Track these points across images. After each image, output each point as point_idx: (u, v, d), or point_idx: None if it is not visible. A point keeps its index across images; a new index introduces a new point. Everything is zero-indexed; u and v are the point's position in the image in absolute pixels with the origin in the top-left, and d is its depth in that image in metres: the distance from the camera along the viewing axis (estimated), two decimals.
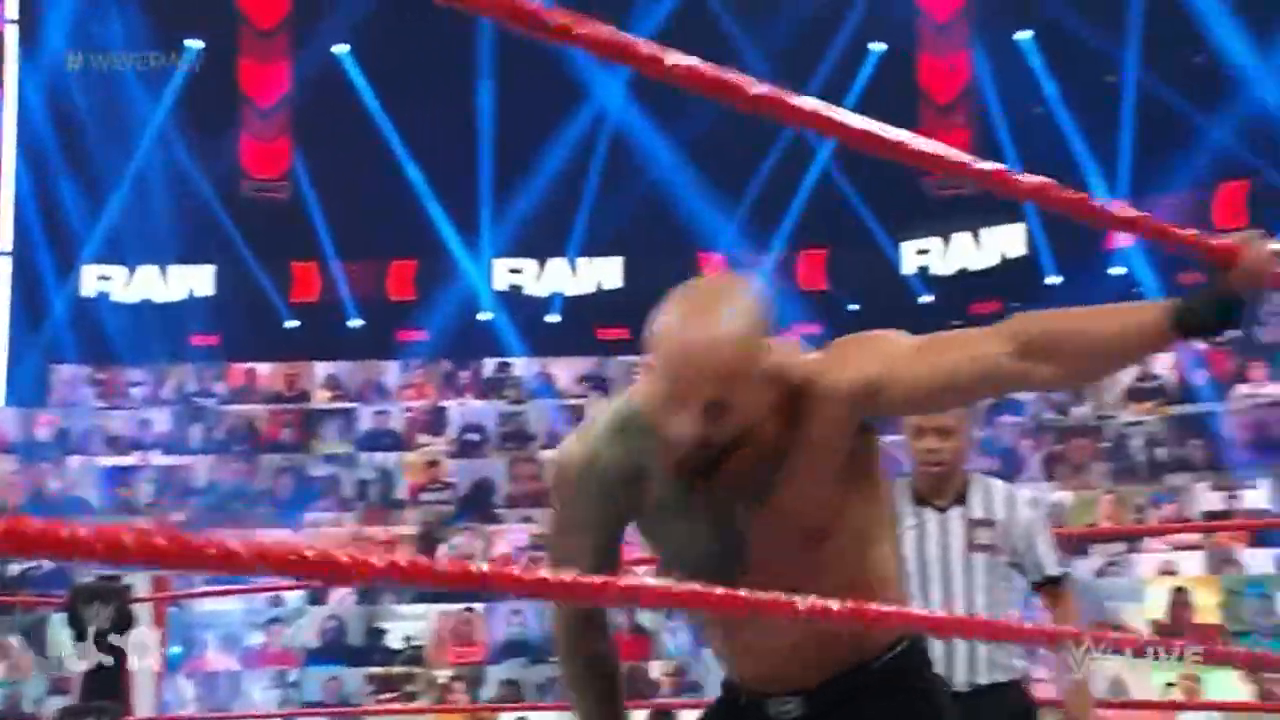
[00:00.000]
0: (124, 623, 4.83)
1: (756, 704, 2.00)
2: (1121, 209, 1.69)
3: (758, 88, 1.25)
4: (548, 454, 10.78)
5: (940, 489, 3.24)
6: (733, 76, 1.24)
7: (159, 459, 10.69)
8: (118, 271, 11.54)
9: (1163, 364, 9.66)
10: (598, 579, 1.38)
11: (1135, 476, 9.46)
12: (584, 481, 1.95)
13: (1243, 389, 9.40)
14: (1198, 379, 9.56)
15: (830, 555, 1.90)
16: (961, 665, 3.23)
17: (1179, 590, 7.86)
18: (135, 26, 11.23)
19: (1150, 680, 7.29)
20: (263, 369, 11.31)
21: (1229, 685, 7.02)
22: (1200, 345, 8.74)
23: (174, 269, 11.51)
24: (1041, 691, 3.54)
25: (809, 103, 1.31)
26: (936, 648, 3.10)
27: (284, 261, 11.58)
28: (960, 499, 3.30)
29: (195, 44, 11.45)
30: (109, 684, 4.69)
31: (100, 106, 11.06)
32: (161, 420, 10.99)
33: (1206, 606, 7.77)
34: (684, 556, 1.96)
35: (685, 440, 1.79)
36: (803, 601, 1.48)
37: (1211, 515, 8.68)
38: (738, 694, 2.05)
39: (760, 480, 1.86)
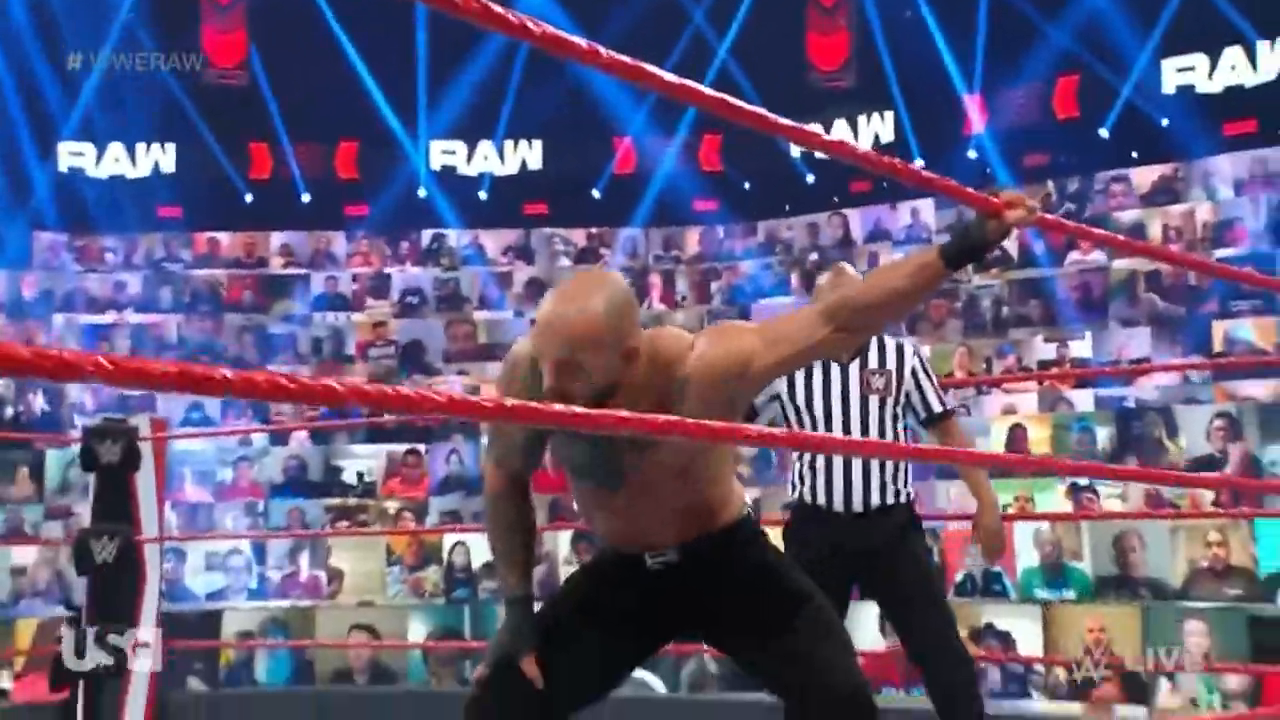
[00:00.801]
0: (131, 458, 5.09)
1: (635, 557, 2.34)
2: (920, 172, 2.00)
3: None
4: (480, 315, 11.33)
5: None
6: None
7: (133, 317, 11.11)
8: (89, 149, 11.86)
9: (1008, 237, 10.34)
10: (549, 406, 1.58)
11: (983, 331, 9.85)
12: (525, 374, 2.26)
13: (1073, 256, 9.85)
14: (1037, 249, 10.04)
15: (688, 477, 2.27)
16: (858, 490, 3.59)
17: (1017, 426, 8.19)
18: None
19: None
20: (224, 238, 11.76)
21: (1054, 502, 7.47)
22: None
23: (140, 147, 11.89)
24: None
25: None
26: (838, 478, 3.58)
27: (242, 142, 11.97)
28: (859, 353, 3.60)
29: None
30: (120, 508, 5.11)
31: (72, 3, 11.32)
32: (134, 283, 11.37)
33: (1040, 439, 8.09)
34: (578, 469, 2.31)
35: (547, 391, 2.11)
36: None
37: (1045, 364, 9.17)
38: (616, 551, 2.38)
39: (643, 437, 2.14)
